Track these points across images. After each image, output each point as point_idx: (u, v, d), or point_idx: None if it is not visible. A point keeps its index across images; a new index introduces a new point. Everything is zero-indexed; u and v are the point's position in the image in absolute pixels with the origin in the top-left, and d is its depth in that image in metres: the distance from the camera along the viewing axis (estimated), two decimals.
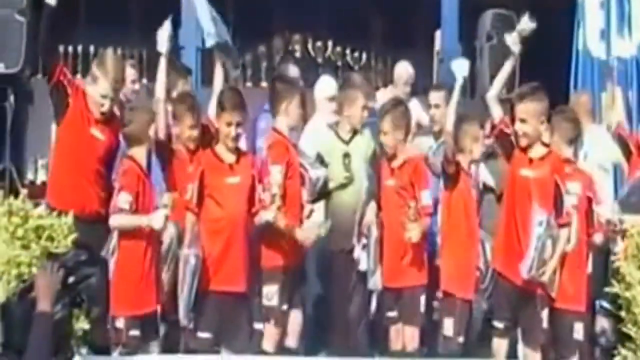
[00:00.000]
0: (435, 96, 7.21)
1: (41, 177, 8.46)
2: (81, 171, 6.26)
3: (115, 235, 5.90)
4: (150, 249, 5.86)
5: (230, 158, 6.18)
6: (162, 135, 6.20)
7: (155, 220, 5.80)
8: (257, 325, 6.19)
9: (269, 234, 6.17)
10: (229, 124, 6.14)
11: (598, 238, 6.49)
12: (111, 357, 5.75)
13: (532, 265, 5.97)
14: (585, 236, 6.41)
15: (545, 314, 6.14)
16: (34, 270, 5.16)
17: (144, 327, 5.82)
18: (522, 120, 6.12)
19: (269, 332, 6.17)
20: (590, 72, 8.24)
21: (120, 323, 5.76)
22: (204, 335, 5.98)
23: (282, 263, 6.18)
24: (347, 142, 6.83)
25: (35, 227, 5.55)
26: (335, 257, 6.65)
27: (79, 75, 8.29)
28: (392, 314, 6.44)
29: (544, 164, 6.17)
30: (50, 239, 5.54)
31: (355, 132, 6.82)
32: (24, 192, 5.86)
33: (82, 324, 5.20)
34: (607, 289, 6.18)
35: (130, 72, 7.07)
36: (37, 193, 6.52)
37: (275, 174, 6.11)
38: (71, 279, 4.01)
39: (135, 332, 5.76)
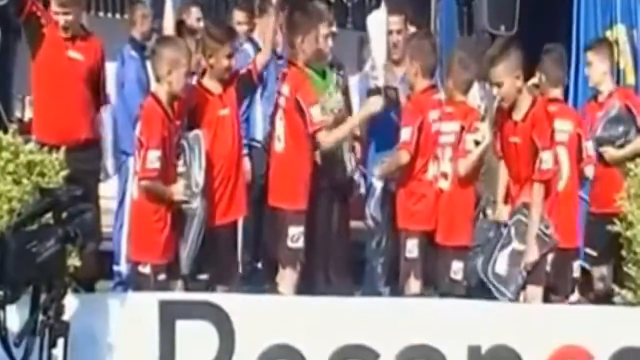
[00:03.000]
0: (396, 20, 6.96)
1: (28, 114, 8.33)
2: (65, 98, 6.19)
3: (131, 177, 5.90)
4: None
5: (218, 89, 6.12)
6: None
7: (176, 192, 5.83)
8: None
9: (293, 173, 6.17)
10: (229, 57, 6.05)
11: (589, 171, 6.57)
12: (105, 292, 5.75)
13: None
14: (576, 173, 6.46)
15: (550, 256, 6.12)
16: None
17: (169, 272, 5.85)
18: (498, 84, 6.02)
19: (289, 274, 6.17)
20: (593, 8, 8.07)
21: (146, 268, 5.77)
22: (202, 277, 5.95)
23: (305, 206, 6.17)
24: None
25: (26, 163, 5.50)
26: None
27: None
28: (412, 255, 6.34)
29: (526, 125, 6.05)
30: (42, 174, 5.49)
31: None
32: (13, 127, 5.75)
33: (73, 261, 5.13)
34: (608, 228, 6.15)
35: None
36: (24, 130, 6.42)
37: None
38: (65, 214, 3.93)
39: (162, 277, 5.80)
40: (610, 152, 6.91)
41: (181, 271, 5.94)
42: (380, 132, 6.80)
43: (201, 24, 7.21)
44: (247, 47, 7.27)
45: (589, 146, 6.60)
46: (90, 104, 6.29)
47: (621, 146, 6.93)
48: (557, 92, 6.63)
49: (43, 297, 3.89)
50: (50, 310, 3.86)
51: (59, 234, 3.85)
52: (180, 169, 5.94)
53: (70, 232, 3.88)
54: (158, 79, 5.96)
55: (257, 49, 7.10)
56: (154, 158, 5.74)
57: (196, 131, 5.99)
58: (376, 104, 6.37)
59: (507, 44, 6.21)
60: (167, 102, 5.88)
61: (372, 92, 6.51)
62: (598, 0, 8.08)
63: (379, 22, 6.75)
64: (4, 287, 3.75)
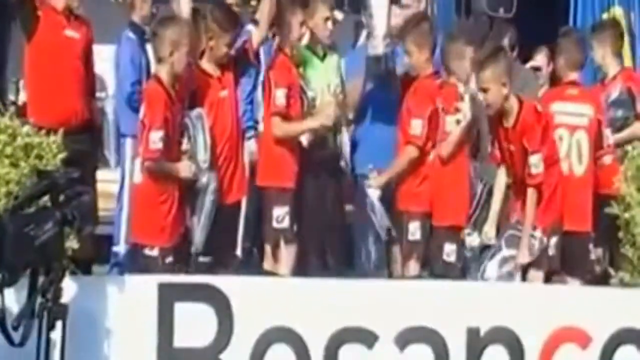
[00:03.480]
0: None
1: (23, 98, 8.30)
2: (63, 78, 6.21)
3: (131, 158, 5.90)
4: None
5: (216, 71, 6.12)
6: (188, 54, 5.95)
7: (182, 169, 5.83)
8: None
9: (276, 153, 6.16)
10: (228, 45, 6.07)
11: (607, 159, 6.51)
12: (103, 275, 5.74)
13: None
14: (594, 159, 6.45)
15: (553, 241, 6.15)
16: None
17: (176, 255, 5.86)
18: (484, 90, 5.98)
19: (282, 255, 6.20)
20: None
21: (154, 252, 5.78)
22: (204, 259, 5.95)
23: (291, 184, 6.17)
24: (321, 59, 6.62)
25: (23, 146, 5.47)
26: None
27: None
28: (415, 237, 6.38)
29: (517, 132, 6.04)
30: (39, 157, 5.46)
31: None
32: (11, 109, 5.73)
33: (71, 243, 5.12)
34: (606, 210, 6.16)
35: None
36: (20, 113, 6.39)
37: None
38: (62, 197, 3.91)
39: (170, 259, 5.82)
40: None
41: (192, 250, 5.91)
42: (377, 106, 6.71)
43: None
44: (251, 28, 7.22)
45: (608, 134, 6.54)
46: (86, 85, 6.33)
47: (619, 129, 6.91)
48: (575, 75, 6.58)
49: (41, 280, 3.89)
50: (48, 293, 3.85)
51: (57, 216, 3.85)
52: (185, 146, 5.91)
53: (68, 215, 3.88)
54: (160, 60, 5.93)
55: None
56: (156, 138, 5.72)
57: (198, 109, 5.98)
58: (329, 117, 6.33)
59: (496, 50, 6.17)
60: (169, 84, 5.87)
61: (371, 60, 6.47)
62: None
63: None
64: (1, 271, 3.74)
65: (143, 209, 5.94)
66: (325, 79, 6.49)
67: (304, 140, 6.33)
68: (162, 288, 5.43)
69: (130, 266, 6.17)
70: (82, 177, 4.21)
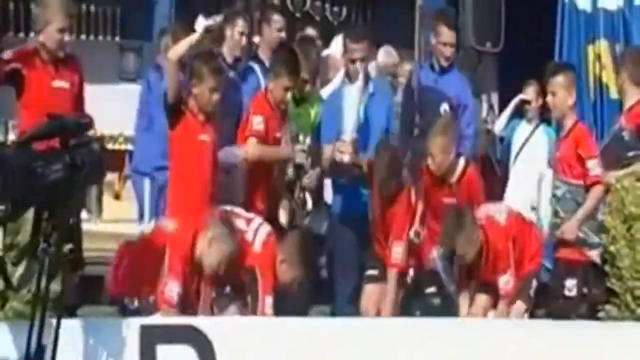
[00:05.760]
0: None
1: (12, 137, 8.32)
2: None
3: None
4: None
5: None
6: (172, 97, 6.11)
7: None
8: None
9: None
10: (212, 90, 6.19)
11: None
12: (88, 317, 5.73)
13: None
14: None
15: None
16: None
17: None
18: (433, 156, 6.41)
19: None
20: (576, 25, 8.08)
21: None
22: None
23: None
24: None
25: None
26: None
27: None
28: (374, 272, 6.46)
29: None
30: None
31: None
32: None
33: (55, 286, 5.10)
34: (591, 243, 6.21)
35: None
36: None
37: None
38: (72, 141, 3.77)
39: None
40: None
41: None
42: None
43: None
44: (255, 66, 7.30)
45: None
46: None
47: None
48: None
49: (45, 224, 3.71)
50: (51, 237, 3.68)
51: (66, 159, 3.68)
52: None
53: (77, 160, 3.70)
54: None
55: (264, 67, 7.18)
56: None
57: None
58: (300, 156, 6.59)
59: (445, 123, 6.59)
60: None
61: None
62: (581, 16, 8.09)
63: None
64: (5, 203, 3.55)
65: None
66: (300, 124, 6.66)
67: None
68: (144, 330, 5.40)
69: None
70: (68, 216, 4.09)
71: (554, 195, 6.60)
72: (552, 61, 7.48)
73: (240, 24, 7.17)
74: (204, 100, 6.19)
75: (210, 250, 5.77)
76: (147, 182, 7.31)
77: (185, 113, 6.21)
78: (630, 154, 6.68)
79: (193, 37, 6.25)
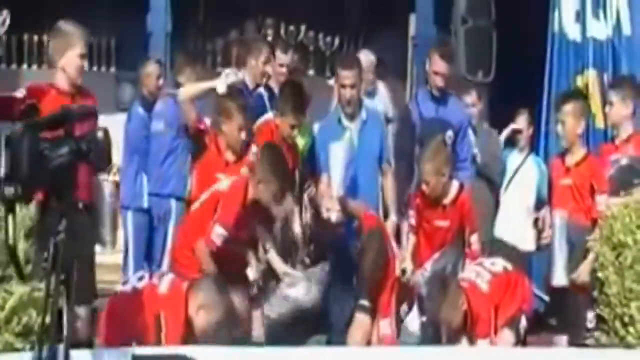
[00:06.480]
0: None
1: None
2: None
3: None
4: None
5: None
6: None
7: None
8: None
9: None
10: (240, 129, 6.41)
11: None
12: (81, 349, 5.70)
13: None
14: None
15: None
16: None
17: None
18: (426, 182, 6.52)
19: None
20: (565, 55, 8.19)
21: None
22: None
23: None
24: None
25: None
26: None
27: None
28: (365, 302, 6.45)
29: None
30: None
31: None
32: None
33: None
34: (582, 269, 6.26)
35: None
36: None
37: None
38: (77, 129, 3.75)
39: None
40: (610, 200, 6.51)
41: None
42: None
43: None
44: (262, 91, 7.37)
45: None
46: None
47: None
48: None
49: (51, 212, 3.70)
50: (60, 225, 3.64)
51: (72, 145, 3.68)
52: None
53: (83, 147, 3.71)
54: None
55: (271, 94, 7.28)
56: None
57: None
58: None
59: (437, 146, 6.64)
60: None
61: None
62: (571, 46, 8.19)
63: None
64: (15, 184, 3.53)
65: None
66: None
67: None
68: None
69: None
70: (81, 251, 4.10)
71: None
72: (563, 90, 7.53)
73: (264, 53, 7.26)
74: (232, 139, 6.40)
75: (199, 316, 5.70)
76: (129, 215, 7.39)
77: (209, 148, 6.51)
78: (636, 181, 6.58)
79: (209, 85, 6.42)
